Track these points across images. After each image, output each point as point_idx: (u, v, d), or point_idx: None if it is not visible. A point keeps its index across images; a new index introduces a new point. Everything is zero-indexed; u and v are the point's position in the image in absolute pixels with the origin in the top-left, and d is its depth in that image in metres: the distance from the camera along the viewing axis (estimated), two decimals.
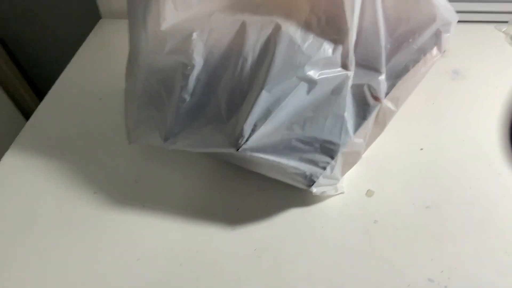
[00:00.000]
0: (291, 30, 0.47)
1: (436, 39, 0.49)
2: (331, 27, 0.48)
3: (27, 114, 1.10)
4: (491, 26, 0.81)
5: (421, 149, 0.59)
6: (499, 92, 0.67)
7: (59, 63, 0.85)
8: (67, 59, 0.81)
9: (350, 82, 0.48)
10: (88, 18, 0.90)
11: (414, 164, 0.57)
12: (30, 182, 0.58)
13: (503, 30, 0.80)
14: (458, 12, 0.86)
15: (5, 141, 0.83)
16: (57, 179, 0.58)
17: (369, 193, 0.54)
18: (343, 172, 0.51)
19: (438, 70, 0.70)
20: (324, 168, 0.48)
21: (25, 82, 1.08)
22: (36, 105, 1.07)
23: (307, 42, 0.47)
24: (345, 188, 0.54)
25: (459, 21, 0.87)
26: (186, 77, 0.49)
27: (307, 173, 0.48)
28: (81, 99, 0.71)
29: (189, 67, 0.49)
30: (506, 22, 0.82)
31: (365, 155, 0.52)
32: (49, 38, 1.02)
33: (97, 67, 0.78)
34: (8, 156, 0.61)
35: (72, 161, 0.60)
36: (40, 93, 1.16)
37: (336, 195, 0.54)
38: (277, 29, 0.47)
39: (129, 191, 0.56)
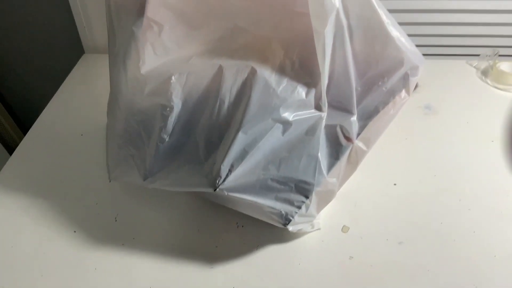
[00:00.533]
0: (266, 74, 0.49)
1: (404, 82, 0.51)
2: (304, 71, 0.50)
3: (10, 147, 1.10)
4: (463, 61, 0.85)
5: (395, 184, 0.61)
6: (469, 128, 0.69)
7: (42, 96, 0.86)
8: (50, 92, 0.83)
9: (323, 123, 0.50)
10: (71, 53, 0.92)
11: (388, 199, 0.59)
12: (11, 219, 0.58)
13: (474, 65, 0.83)
14: (430, 46, 0.91)
15: None
16: (38, 217, 0.58)
17: (345, 229, 0.56)
18: (319, 209, 0.53)
19: (410, 105, 0.72)
20: (299, 207, 0.49)
21: (8, 115, 1.08)
22: (20, 138, 1.07)
23: (282, 85, 0.49)
24: (321, 224, 0.56)
25: (431, 55, 0.91)
26: (165, 118, 0.51)
27: (283, 212, 0.49)
28: (63, 135, 0.72)
29: (168, 109, 0.50)
30: (478, 55, 0.86)
31: (340, 190, 0.54)
32: (33, 71, 1.04)
33: (79, 102, 0.79)
34: None
35: (53, 198, 0.61)
36: (23, 126, 1.16)
37: (312, 231, 0.55)
38: (253, 73, 0.49)
39: (109, 229, 0.56)
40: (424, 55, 0.91)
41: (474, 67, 0.83)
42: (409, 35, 0.89)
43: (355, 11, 0.47)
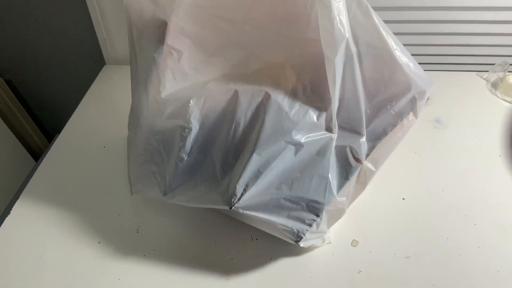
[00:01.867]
0: (280, 98, 0.52)
1: (412, 105, 0.53)
2: (315, 95, 0.53)
3: (35, 153, 1.15)
4: (473, 73, 0.86)
5: (403, 199, 0.63)
6: (478, 142, 0.71)
7: (66, 105, 0.90)
8: (73, 101, 0.87)
9: (333, 144, 0.52)
10: (93, 64, 0.96)
11: (397, 214, 0.61)
12: (39, 231, 0.62)
13: (484, 77, 0.84)
14: (441, 55, 0.92)
15: (15, 181, 0.88)
16: (65, 228, 0.62)
17: (354, 243, 0.58)
18: (329, 225, 0.56)
19: (420, 119, 0.73)
20: (310, 225, 0.52)
21: (33, 123, 1.13)
22: (44, 144, 1.12)
23: (294, 109, 0.52)
24: (332, 238, 0.58)
25: (442, 64, 0.93)
26: (184, 138, 0.54)
27: (295, 229, 0.52)
28: (86, 147, 0.75)
29: (186, 130, 0.53)
30: (490, 64, 0.87)
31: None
32: (56, 81, 1.08)
33: (101, 114, 0.83)
34: (18, 207, 0.65)
35: (79, 209, 0.65)
36: (48, 133, 1.21)
37: (323, 245, 0.58)
38: (266, 97, 0.52)
39: (131, 240, 0.60)
40: (435, 64, 0.94)
41: (485, 79, 0.84)
42: (420, 45, 0.92)
43: (364, 39, 0.50)
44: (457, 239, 0.58)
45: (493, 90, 0.81)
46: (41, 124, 1.18)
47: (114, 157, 0.72)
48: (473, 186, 0.64)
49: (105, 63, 0.96)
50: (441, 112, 0.77)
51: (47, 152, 0.76)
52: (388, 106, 0.53)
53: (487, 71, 0.85)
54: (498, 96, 0.79)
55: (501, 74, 0.81)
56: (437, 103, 0.78)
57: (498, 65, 0.82)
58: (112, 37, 0.91)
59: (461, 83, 0.84)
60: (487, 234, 0.58)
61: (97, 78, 0.92)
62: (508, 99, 0.78)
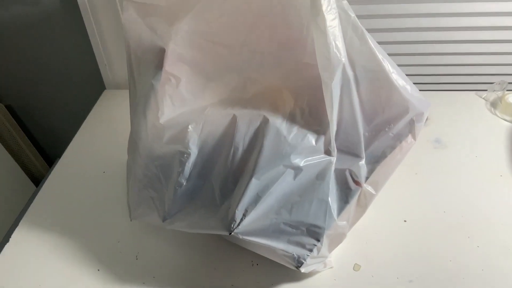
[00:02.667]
0: (278, 123, 0.52)
1: (410, 127, 0.53)
2: (313, 119, 0.53)
3: (35, 178, 1.15)
4: (472, 92, 0.86)
5: (405, 221, 0.63)
6: (478, 162, 0.71)
7: (66, 129, 0.90)
8: (74, 125, 0.87)
9: (333, 167, 0.52)
10: (93, 88, 0.97)
11: (399, 236, 0.61)
12: (38, 258, 0.61)
13: (483, 96, 0.85)
14: (440, 75, 0.93)
15: (15, 205, 0.88)
16: (64, 255, 0.62)
17: (356, 267, 0.58)
18: (330, 250, 0.55)
19: (420, 139, 0.73)
20: (311, 250, 0.51)
21: (33, 148, 1.13)
22: (45, 169, 1.12)
23: (292, 133, 0.52)
24: (333, 262, 0.58)
25: (441, 90, 0.93)
26: (182, 163, 0.54)
27: (295, 255, 0.51)
28: (86, 173, 0.75)
29: (185, 155, 0.53)
30: (488, 83, 0.88)
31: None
32: (57, 106, 1.09)
33: (101, 139, 0.83)
34: (17, 234, 0.65)
35: (78, 236, 0.64)
36: (48, 157, 1.21)
37: (325, 270, 0.57)
38: (265, 121, 0.52)
39: (130, 268, 0.59)
40: (433, 83, 0.95)
41: (483, 98, 0.84)
42: (418, 65, 0.93)
43: (361, 63, 0.50)
44: (460, 262, 0.57)
45: (492, 109, 0.81)
46: (42, 149, 1.19)
47: (114, 182, 0.72)
48: (475, 206, 0.64)
49: (105, 88, 0.96)
50: (441, 132, 0.77)
51: (47, 178, 0.76)
52: (387, 129, 0.53)
53: (486, 90, 0.85)
54: (497, 115, 0.79)
55: (499, 93, 0.81)
56: (436, 123, 0.78)
57: (496, 84, 0.83)
58: (112, 62, 0.92)
59: (460, 102, 0.84)
60: (491, 256, 0.58)
61: (97, 103, 0.93)
62: (508, 118, 0.78)
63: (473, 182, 0.68)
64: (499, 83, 0.82)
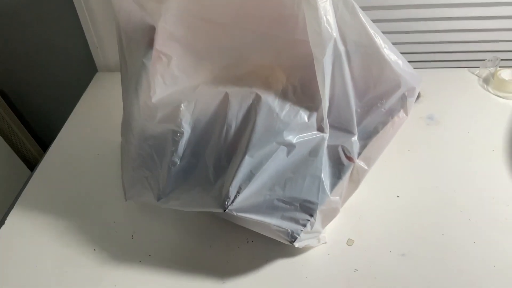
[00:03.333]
0: (270, 100, 0.52)
1: (402, 103, 0.54)
2: (306, 95, 0.53)
3: (30, 163, 1.15)
4: (465, 69, 0.86)
5: (398, 196, 0.63)
6: (470, 137, 0.71)
7: (59, 113, 0.90)
8: (66, 109, 0.87)
9: (325, 143, 0.52)
10: (85, 71, 0.96)
11: (391, 211, 0.61)
12: (34, 239, 0.62)
13: (476, 73, 0.85)
14: (432, 53, 0.92)
15: (10, 190, 0.88)
16: (60, 236, 0.62)
17: (350, 242, 0.58)
18: (324, 225, 0.56)
19: (413, 116, 0.74)
20: (305, 225, 0.52)
21: (27, 132, 1.13)
22: (39, 153, 1.12)
23: (285, 110, 0.52)
24: (327, 238, 0.58)
25: (434, 61, 0.93)
26: (176, 142, 0.54)
27: (289, 230, 0.52)
28: (80, 155, 0.75)
29: (178, 134, 0.53)
30: (480, 60, 0.88)
31: (345, 203, 0.57)
32: (49, 89, 1.08)
33: (94, 121, 0.83)
34: (12, 216, 0.65)
35: (73, 217, 0.65)
36: (42, 142, 1.21)
37: (319, 245, 0.58)
38: (257, 99, 0.52)
39: (126, 247, 0.60)
40: (425, 61, 0.95)
41: (476, 75, 0.84)
42: (411, 43, 0.93)
43: (352, 38, 0.50)
44: (452, 235, 0.58)
45: (485, 85, 0.81)
46: (35, 133, 1.18)
47: (108, 164, 0.72)
48: (467, 181, 0.65)
49: (97, 71, 0.96)
50: (434, 109, 0.77)
51: (40, 161, 0.76)
52: (379, 104, 0.53)
53: (478, 67, 0.85)
54: (490, 92, 0.80)
55: (492, 70, 0.81)
56: (429, 100, 0.79)
57: (489, 60, 0.83)
58: (103, 44, 0.91)
59: (453, 79, 0.84)
60: (482, 229, 0.58)
61: (89, 85, 0.92)
62: (500, 94, 0.78)
63: (466, 157, 0.68)
64: (491, 60, 0.82)
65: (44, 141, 1.20)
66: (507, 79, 0.79)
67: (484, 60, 0.85)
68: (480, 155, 0.68)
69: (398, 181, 0.65)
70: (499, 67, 0.81)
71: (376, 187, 0.64)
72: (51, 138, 0.80)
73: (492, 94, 0.79)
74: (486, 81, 0.82)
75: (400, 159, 0.68)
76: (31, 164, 1.14)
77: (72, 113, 0.85)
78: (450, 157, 0.69)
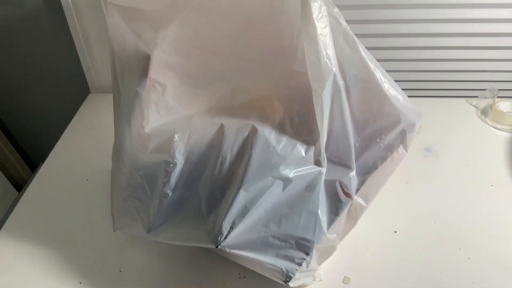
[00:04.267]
0: (267, 132, 0.50)
1: (402, 138, 0.52)
2: (303, 128, 0.51)
3: (18, 185, 1.12)
4: (463, 99, 0.86)
5: (395, 231, 0.62)
6: (469, 171, 0.70)
7: (50, 134, 0.88)
8: (57, 130, 0.85)
9: (323, 178, 0.51)
10: (77, 92, 0.94)
11: (389, 248, 0.60)
12: (20, 269, 0.59)
13: (473, 103, 0.84)
14: (430, 81, 0.92)
15: None
16: (45, 266, 0.60)
17: (346, 280, 0.56)
18: (320, 263, 0.54)
19: (411, 147, 0.73)
20: (300, 264, 0.50)
21: (16, 153, 1.10)
22: (28, 175, 1.09)
23: (282, 143, 0.50)
24: (323, 275, 0.56)
25: (431, 90, 0.92)
26: (168, 173, 0.52)
27: (284, 269, 0.50)
28: (69, 180, 0.73)
29: (171, 165, 0.52)
30: (478, 90, 0.87)
31: None
32: (40, 110, 1.06)
33: (85, 144, 0.81)
34: None
35: (60, 246, 0.62)
36: (30, 162, 1.18)
37: (314, 283, 0.56)
38: (253, 131, 0.50)
39: (113, 281, 0.57)
40: (423, 90, 0.94)
41: (474, 105, 0.84)
42: (407, 71, 0.92)
43: (352, 72, 0.49)
44: (451, 274, 0.56)
45: (483, 117, 0.80)
46: (25, 154, 1.16)
47: (97, 190, 0.70)
48: (466, 217, 0.63)
49: (90, 92, 0.94)
50: (431, 140, 0.76)
51: (29, 185, 0.73)
52: (378, 139, 0.52)
53: (476, 97, 0.84)
54: (488, 124, 0.79)
55: (490, 101, 0.81)
56: (426, 131, 0.77)
57: (487, 91, 0.82)
58: (97, 65, 0.89)
59: (450, 110, 0.84)
60: (482, 269, 0.57)
61: (81, 107, 0.91)
62: (498, 126, 0.78)
63: (464, 192, 0.67)
64: (489, 90, 0.81)
65: (33, 162, 1.18)
66: (505, 111, 0.79)
67: (482, 90, 0.84)
68: (479, 190, 0.67)
69: (396, 216, 0.64)
70: (498, 97, 0.81)
71: (373, 221, 0.62)
72: (41, 159, 0.78)
73: (490, 126, 0.78)
74: (484, 112, 0.81)
75: (397, 192, 0.67)
76: (19, 185, 1.11)
77: (62, 135, 0.83)
78: (449, 191, 0.67)
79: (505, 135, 0.77)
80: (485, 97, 0.82)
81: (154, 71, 0.52)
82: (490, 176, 0.69)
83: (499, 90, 0.81)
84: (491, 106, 0.80)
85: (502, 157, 0.72)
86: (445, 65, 0.90)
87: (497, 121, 0.78)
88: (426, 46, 0.87)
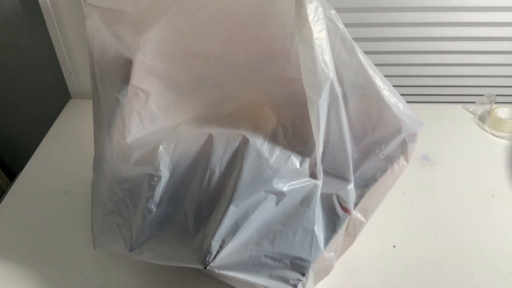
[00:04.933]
0: (259, 143, 0.47)
1: (403, 149, 0.49)
2: (298, 139, 0.48)
3: None
4: (459, 105, 0.83)
5: (394, 246, 0.58)
6: (468, 181, 0.67)
7: (28, 141, 0.84)
8: (36, 137, 0.80)
9: (319, 191, 0.47)
10: (57, 98, 0.90)
11: (387, 263, 0.56)
12: None
13: (471, 110, 0.81)
14: (425, 86, 0.89)
15: None
16: (21, 286, 0.55)
17: None
18: (316, 282, 0.50)
19: None
20: (295, 286, 0.46)
21: None
22: (6, 183, 1.04)
23: (275, 155, 0.47)
24: None
25: (426, 102, 0.90)
26: (152, 188, 0.48)
27: None
28: (47, 192, 0.69)
29: (155, 178, 0.48)
30: (474, 95, 0.85)
31: None
32: (18, 116, 1.01)
33: (65, 153, 0.76)
34: None
35: (37, 264, 0.58)
36: (9, 171, 1.13)
37: None
38: (244, 142, 0.47)
39: None
40: (418, 95, 0.91)
41: (471, 112, 0.81)
42: (402, 76, 0.89)
43: (350, 79, 0.45)
44: None
45: (481, 123, 0.78)
46: (4, 163, 1.10)
47: (77, 203, 0.66)
48: (467, 230, 0.60)
49: (70, 97, 0.90)
50: (428, 148, 0.73)
51: (4, 197, 0.69)
52: (377, 150, 0.49)
53: (473, 102, 0.82)
54: (486, 131, 0.76)
55: (488, 107, 0.78)
56: (423, 138, 0.74)
57: (485, 96, 0.79)
58: (77, 69, 0.85)
59: (447, 116, 0.81)
60: (486, 285, 0.54)
61: (61, 113, 0.86)
62: (497, 133, 0.75)
63: (465, 203, 0.64)
64: (487, 96, 0.79)
65: (12, 171, 1.13)
66: (503, 117, 0.76)
67: (479, 95, 0.82)
68: (480, 201, 0.64)
69: (394, 229, 0.61)
70: (495, 103, 0.78)
71: (371, 236, 0.58)
72: (19, 168, 0.73)
73: (489, 133, 0.76)
74: (482, 119, 0.79)
75: (395, 204, 0.64)
76: None
77: (40, 144, 0.79)
78: (448, 202, 0.64)
79: (504, 142, 0.74)
80: (483, 103, 0.79)
81: (137, 77, 0.48)
82: (490, 186, 0.66)
83: (497, 95, 0.79)
84: (489, 113, 0.77)
85: (502, 165, 0.70)
86: (440, 70, 0.87)
87: (496, 128, 0.76)
88: (420, 50, 0.85)
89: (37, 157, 0.77)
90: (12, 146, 1.07)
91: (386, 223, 0.61)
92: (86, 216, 0.63)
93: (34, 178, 0.72)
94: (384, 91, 0.47)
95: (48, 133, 0.82)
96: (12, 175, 1.13)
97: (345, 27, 0.44)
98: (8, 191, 0.70)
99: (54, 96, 0.92)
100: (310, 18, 0.41)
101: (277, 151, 0.47)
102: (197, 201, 0.48)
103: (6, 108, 0.99)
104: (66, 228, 0.63)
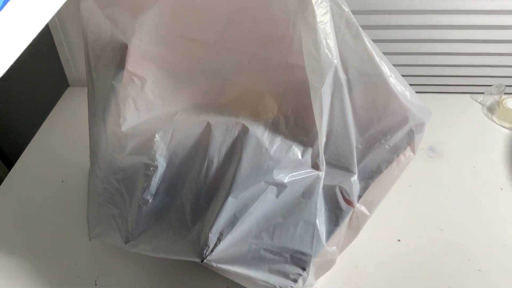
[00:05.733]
0: (259, 132, 0.45)
1: (409, 139, 0.47)
2: (299, 128, 0.46)
3: None
4: (467, 95, 0.81)
5: (399, 240, 0.57)
6: (476, 173, 0.65)
7: (26, 129, 0.82)
8: (34, 125, 0.79)
9: (321, 183, 0.46)
10: (55, 86, 0.88)
11: (392, 258, 0.55)
12: None
13: (479, 100, 0.79)
14: (432, 76, 0.87)
15: None
16: (13, 280, 0.54)
17: None
18: (317, 277, 0.48)
19: None
20: (296, 281, 0.45)
21: None
22: (5, 173, 1.03)
23: (275, 145, 0.45)
24: None
25: (433, 92, 0.88)
26: (148, 178, 0.47)
27: (277, 286, 0.44)
28: (43, 182, 0.67)
29: (152, 168, 0.47)
30: (482, 85, 0.82)
31: None
32: (16, 104, 1.00)
33: (62, 142, 0.75)
34: None
35: (32, 256, 0.56)
36: (7, 159, 1.12)
37: None
38: (244, 131, 0.45)
39: None
40: (425, 85, 0.89)
41: (479, 102, 0.79)
42: (408, 66, 0.87)
43: (355, 66, 0.43)
44: (460, 287, 0.51)
45: (489, 114, 0.76)
46: (2, 152, 1.09)
47: (74, 193, 0.64)
48: (474, 224, 0.58)
49: (68, 85, 0.88)
50: (435, 140, 0.71)
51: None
52: (383, 140, 0.47)
53: (482, 93, 0.79)
54: (495, 122, 0.74)
55: (497, 97, 0.76)
56: (430, 129, 0.71)
57: (493, 87, 0.77)
58: (76, 56, 0.84)
59: (454, 106, 0.79)
60: (494, 282, 0.52)
61: (59, 101, 0.84)
62: (506, 124, 0.73)
63: (473, 196, 0.62)
64: (496, 86, 0.76)
65: (10, 161, 1.11)
66: None
67: (487, 86, 0.79)
68: (488, 193, 0.62)
69: (399, 223, 0.59)
70: (505, 93, 0.76)
71: (374, 230, 0.56)
72: (17, 157, 0.72)
73: (497, 124, 0.74)
74: (491, 109, 0.76)
75: (400, 196, 0.61)
76: None
77: (37, 132, 0.77)
78: (456, 195, 0.62)
79: None
80: (491, 93, 0.77)
81: (132, 63, 0.46)
82: (499, 179, 0.64)
83: (506, 86, 0.76)
84: (498, 103, 0.75)
85: (511, 158, 0.67)
86: (448, 59, 0.85)
87: (505, 119, 0.73)
88: (427, 39, 0.82)
89: (34, 146, 0.75)
90: (9, 134, 1.06)
91: (391, 217, 0.59)
92: (83, 206, 0.61)
93: (31, 167, 0.71)
94: (391, 78, 0.45)
95: (45, 121, 0.80)
96: (10, 164, 1.12)
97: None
98: (4, 180, 0.69)
99: (52, 84, 0.91)
100: (314, 0, 0.39)
101: (278, 140, 0.45)
102: (195, 192, 0.46)
103: (3, 96, 0.98)
104: (61, 218, 0.61)
